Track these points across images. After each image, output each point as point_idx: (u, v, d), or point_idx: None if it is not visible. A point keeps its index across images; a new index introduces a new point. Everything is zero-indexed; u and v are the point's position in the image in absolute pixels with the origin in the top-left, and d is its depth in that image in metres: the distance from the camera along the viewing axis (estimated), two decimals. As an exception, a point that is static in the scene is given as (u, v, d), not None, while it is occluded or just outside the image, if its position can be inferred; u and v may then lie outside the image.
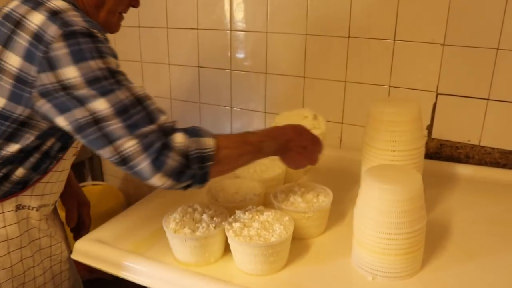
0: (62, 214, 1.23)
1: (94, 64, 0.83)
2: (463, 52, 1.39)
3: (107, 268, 1.05)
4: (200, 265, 1.02)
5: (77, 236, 1.25)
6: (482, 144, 1.46)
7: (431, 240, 1.05)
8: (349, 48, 1.55)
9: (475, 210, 1.23)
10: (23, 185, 0.98)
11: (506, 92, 1.38)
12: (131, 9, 1.06)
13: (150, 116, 0.86)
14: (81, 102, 0.83)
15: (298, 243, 1.07)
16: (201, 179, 0.89)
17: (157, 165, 0.84)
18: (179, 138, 0.86)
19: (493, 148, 1.45)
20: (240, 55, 1.76)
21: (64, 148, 1.00)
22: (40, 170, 0.99)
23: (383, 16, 1.47)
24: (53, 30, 0.81)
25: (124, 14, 1.05)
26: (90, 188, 2.15)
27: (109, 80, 0.84)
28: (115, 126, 0.83)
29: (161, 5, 1.81)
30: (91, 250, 1.09)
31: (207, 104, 1.89)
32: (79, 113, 0.83)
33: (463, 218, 1.19)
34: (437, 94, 1.47)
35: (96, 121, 0.83)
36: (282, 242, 0.96)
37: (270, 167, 1.31)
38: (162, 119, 0.87)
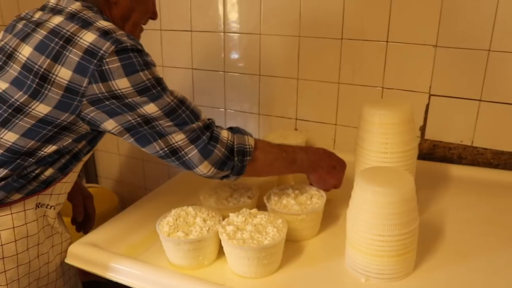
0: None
1: (143, 75, 0.93)
2: (455, 53, 1.40)
3: (101, 272, 1.05)
4: (194, 268, 1.02)
5: (84, 229, 1.32)
6: (474, 144, 1.47)
7: (424, 241, 1.06)
8: (342, 50, 1.56)
9: (467, 211, 1.24)
10: (46, 184, 1.03)
11: (497, 93, 1.39)
12: None
13: (194, 114, 0.99)
14: (132, 107, 0.93)
15: (291, 245, 1.08)
16: (239, 171, 1.02)
17: (205, 154, 0.98)
18: (225, 134, 1.01)
19: (485, 149, 1.46)
20: (234, 57, 1.77)
21: (89, 151, 1.08)
22: (66, 170, 1.05)
23: (376, 18, 1.48)
24: (106, 47, 0.90)
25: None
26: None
27: (156, 88, 0.95)
28: (165, 125, 0.96)
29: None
30: (85, 254, 1.09)
31: (201, 106, 1.88)
32: (130, 116, 0.94)
33: (455, 219, 1.20)
34: (430, 95, 1.48)
35: (147, 121, 0.95)
36: (275, 245, 0.97)
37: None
38: (203, 116, 1.01)
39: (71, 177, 1.09)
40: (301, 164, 1.12)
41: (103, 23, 0.95)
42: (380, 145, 1.13)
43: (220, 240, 1.01)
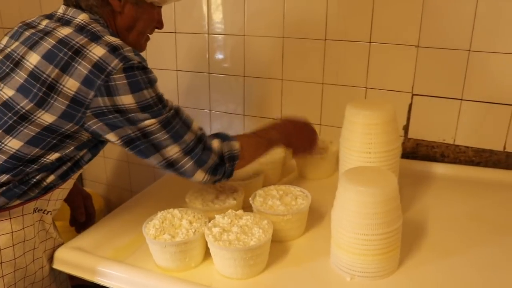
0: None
1: (147, 93, 0.97)
2: (437, 53, 1.42)
3: (88, 276, 1.05)
4: (181, 270, 1.03)
5: (84, 229, 1.30)
6: (456, 143, 1.50)
7: (407, 239, 1.08)
8: (325, 51, 1.57)
9: (450, 208, 1.26)
10: (46, 190, 1.04)
11: (478, 92, 1.41)
12: None
13: (186, 125, 1.04)
14: (133, 122, 0.97)
15: (277, 246, 1.09)
16: (230, 173, 1.10)
17: (199, 164, 1.04)
18: (216, 143, 1.07)
19: (467, 147, 1.48)
20: (218, 58, 1.77)
21: (91, 159, 1.10)
22: (66, 178, 1.06)
23: (358, 19, 1.49)
24: (115, 63, 0.93)
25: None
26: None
27: (157, 106, 0.99)
28: (162, 138, 1.00)
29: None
30: (71, 258, 1.09)
31: (186, 107, 1.88)
32: (130, 130, 0.98)
33: (438, 216, 1.22)
34: (413, 95, 1.50)
35: (145, 135, 0.99)
36: (261, 246, 0.98)
37: (249, 170, 1.32)
38: (194, 125, 1.06)
39: (69, 184, 1.10)
40: (276, 142, 1.23)
41: (112, 38, 0.97)
42: (363, 145, 1.14)
43: (206, 242, 1.02)
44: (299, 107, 1.66)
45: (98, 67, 0.92)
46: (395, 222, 0.96)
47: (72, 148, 1.01)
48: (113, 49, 0.95)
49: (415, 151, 1.55)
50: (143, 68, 0.98)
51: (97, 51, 0.94)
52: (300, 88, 1.64)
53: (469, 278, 0.99)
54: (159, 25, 1.16)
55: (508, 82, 1.36)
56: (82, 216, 1.32)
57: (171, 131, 1.00)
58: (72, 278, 1.17)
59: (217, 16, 1.72)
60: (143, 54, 1.87)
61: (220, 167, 1.07)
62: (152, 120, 0.98)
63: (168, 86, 1.88)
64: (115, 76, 0.93)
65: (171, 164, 1.03)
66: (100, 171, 2.24)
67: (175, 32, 1.80)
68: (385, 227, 0.94)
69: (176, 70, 1.85)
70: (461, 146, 1.49)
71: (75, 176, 1.10)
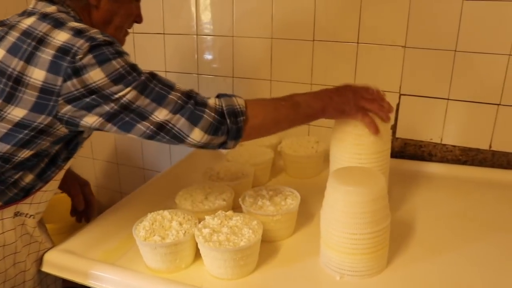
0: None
1: (116, 63, 0.91)
2: (424, 54, 1.44)
3: (78, 278, 1.04)
4: (171, 272, 1.03)
5: (85, 217, 1.30)
6: (443, 142, 1.51)
7: (396, 237, 1.09)
8: (314, 51, 1.58)
9: (438, 206, 1.28)
10: (25, 193, 1.02)
11: (464, 92, 1.43)
12: None
13: (166, 85, 0.96)
14: (108, 97, 0.91)
15: (267, 246, 1.09)
16: (236, 134, 0.97)
17: (194, 120, 0.94)
18: (212, 99, 0.98)
19: (454, 146, 1.50)
20: (207, 59, 1.77)
21: (68, 158, 1.06)
22: (45, 177, 1.03)
23: (346, 20, 1.50)
24: (80, 43, 0.89)
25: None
26: (59, 197, 2.11)
27: (131, 74, 0.92)
28: (143, 104, 0.92)
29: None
30: (61, 261, 1.08)
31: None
32: (108, 106, 0.92)
33: (426, 215, 1.23)
34: (400, 94, 1.52)
35: (125, 106, 0.92)
36: (251, 246, 0.98)
37: (239, 171, 1.32)
38: (177, 86, 0.97)
39: (52, 185, 1.07)
40: (307, 105, 1.07)
41: (76, 24, 0.94)
42: (354, 146, 1.14)
43: (196, 243, 1.02)
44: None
45: (63, 50, 0.89)
46: (383, 221, 0.97)
47: (47, 144, 0.97)
48: (78, 32, 0.91)
49: (403, 150, 1.57)
50: (110, 43, 0.93)
51: (61, 37, 0.90)
52: (289, 88, 1.65)
53: (457, 275, 1.01)
54: (138, 19, 1.13)
55: (492, 81, 1.38)
56: (81, 204, 1.28)
57: (150, 94, 0.93)
58: (62, 281, 1.17)
59: (206, 17, 1.72)
60: (132, 54, 1.88)
61: (221, 125, 0.95)
62: (128, 89, 0.91)
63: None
64: (81, 55, 0.88)
65: (161, 127, 0.94)
66: (89, 173, 2.23)
67: (163, 33, 1.80)
68: (373, 226, 0.95)
69: (165, 71, 1.85)
70: (448, 145, 1.51)
71: (58, 177, 1.07)
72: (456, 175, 1.44)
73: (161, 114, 0.93)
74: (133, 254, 1.09)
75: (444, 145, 1.51)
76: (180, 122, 0.94)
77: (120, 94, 0.91)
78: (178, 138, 0.95)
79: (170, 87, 0.95)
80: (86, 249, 1.12)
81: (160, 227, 1.06)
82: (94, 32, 0.93)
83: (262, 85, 1.69)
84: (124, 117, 0.93)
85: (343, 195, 0.95)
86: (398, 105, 1.52)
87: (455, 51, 1.39)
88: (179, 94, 0.95)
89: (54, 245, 1.14)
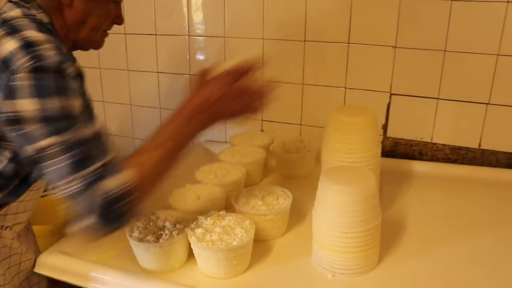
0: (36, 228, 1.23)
1: (53, 102, 0.80)
2: (414, 54, 1.45)
3: (72, 279, 1.05)
4: (165, 272, 1.03)
5: None
6: (434, 141, 1.53)
7: (388, 235, 1.10)
8: (305, 52, 1.59)
9: (428, 205, 1.29)
10: None
11: (454, 91, 1.45)
12: None
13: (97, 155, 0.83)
14: (31, 138, 0.81)
15: (260, 245, 1.10)
16: (130, 214, 0.85)
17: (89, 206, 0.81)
18: (105, 185, 0.82)
19: (444, 145, 1.52)
20: (199, 60, 1.78)
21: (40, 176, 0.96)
22: (16, 194, 0.99)
23: (337, 21, 1.52)
24: (22, 61, 0.79)
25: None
26: (50, 198, 2.11)
27: (64, 121, 0.81)
28: (59, 162, 0.81)
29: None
30: (54, 262, 1.08)
31: (167, 109, 1.89)
32: (30, 149, 0.81)
33: (417, 213, 1.25)
34: (391, 94, 1.53)
35: (42, 157, 0.81)
36: (243, 246, 0.99)
37: (231, 171, 1.33)
38: (97, 164, 0.82)
39: (28, 196, 1.03)
40: (192, 132, 0.93)
41: (32, 33, 0.84)
42: (345, 146, 1.16)
43: (189, 243, 1.03)
44: (280, 108, 1.68)
45: (5, 63, 0.80)
46: (374, 220, 0.98)
47: (6, 161, 0.90)
48: (27, 45, 0.81)
49: (394, 149, 1.58)
50: (59, 71, 0.82)
51: (10, 45, 0.81)
52: (281, 89, 1.66)
53: (447, 272, 1.02)
54: (118, 20, 1.06)
55: (481, 81, 1.40)
56: None
57: (71, 158, 0.80)
58: (54, 282, 1.17)
59: (198, 17, 1.72)
60: (124, 55, 1.88)
61: (110, 212, 0.82)
62: (53, 139, 0.80)
63: (149, 88, 1.89)
64: (19, 75, 0.79)
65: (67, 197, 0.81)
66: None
67: (155, 34, 1.81)
68: (364, 224, 0.97)
69: (157, 72, 1.86)
70: (438, 144, 1.52)
71: (32, 188, 1.02)
72: (446, 174, 1.46)
73: (72, 182, 0.80)
74: (127, 254, 1.09)
75: (435, 144, 1.53)
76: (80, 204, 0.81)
77: (45, 141, 0.80)
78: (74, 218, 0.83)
79: (96, 157, 0.82)
80: (79, 250, 1.12)
81: (154, 227, 1.06)
82: (46, 48, 0.82)
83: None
84: (44, 167, 0.82)
85: (335, 194, 0.96)
86: (389, 104, 1.54)
87: (445, 51, 1.41)
88: (92, 169, 0.81)
89: (39, 253, 1.12)
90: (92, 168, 0.81)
